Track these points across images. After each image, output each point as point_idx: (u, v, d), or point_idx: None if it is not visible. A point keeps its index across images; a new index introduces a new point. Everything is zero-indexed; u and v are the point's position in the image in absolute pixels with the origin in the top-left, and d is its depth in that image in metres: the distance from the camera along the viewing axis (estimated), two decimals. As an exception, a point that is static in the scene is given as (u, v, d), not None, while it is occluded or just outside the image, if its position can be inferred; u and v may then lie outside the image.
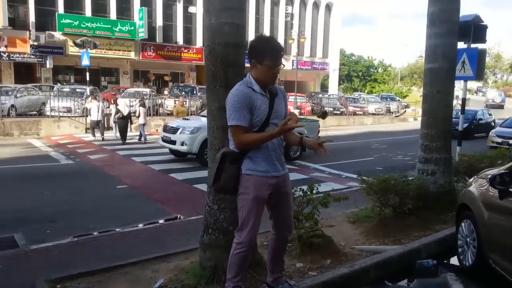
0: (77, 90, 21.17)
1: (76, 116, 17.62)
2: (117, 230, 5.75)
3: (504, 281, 3.56)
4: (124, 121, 14.88)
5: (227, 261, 3.04)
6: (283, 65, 2.97)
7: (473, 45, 8.25)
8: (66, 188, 8.30)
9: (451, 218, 5.23)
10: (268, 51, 2.84)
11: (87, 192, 7.99)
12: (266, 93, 2.92)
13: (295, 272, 3.85)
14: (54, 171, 9.99)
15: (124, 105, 15.44)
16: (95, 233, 5.62)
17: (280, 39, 37.26)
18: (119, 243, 5.06)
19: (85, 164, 10.88)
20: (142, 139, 15.23)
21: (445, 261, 4.69)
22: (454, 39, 6.02)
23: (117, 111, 15.10)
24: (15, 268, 4.26)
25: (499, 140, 15.31)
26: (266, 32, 36.27)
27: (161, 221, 6.29)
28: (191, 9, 32.22)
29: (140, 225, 5.99)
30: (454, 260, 4.59)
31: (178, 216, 6.59)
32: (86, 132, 17.50)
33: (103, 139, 15.24)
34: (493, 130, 16.74)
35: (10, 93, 17.72)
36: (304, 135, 3.37)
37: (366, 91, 57.89)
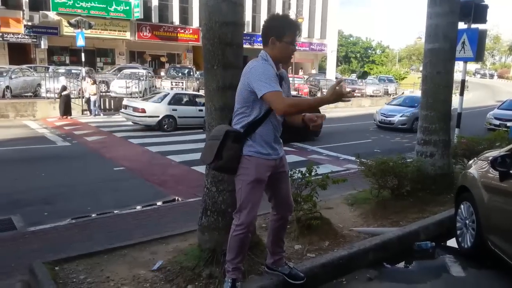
0: (73, 71, 20.95)
1: (72, 98, 17.37)
2: (115, 212, 5.75)
3: (503, 263, 3.58)
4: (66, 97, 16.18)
5: (226, 243, 3.02)
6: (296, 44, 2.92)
7: (473, 26, 8.15)
8: (63, 170, 8.26)
9: (449, 200, 5.23)
10: (288, 27, 2.81)
11: (84, 174, 7.95)
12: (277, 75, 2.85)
13: (294, 254, 3.85)
14: (51, 153, 9.94)
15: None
16: (93, 215, 5.61)
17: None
18: (117, 225, 5.05)
19: (82, 146, 10.82)
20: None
21: (443, 244, 4.70)
22: (455, 19, 5.92)
23: (64, 88, 16.20)
24: (13, 250, 4.26)
25: (497, 122, 15.31)
26: (264, 12, 35.86)
27: (159, 203, 6.28)
28: (188, -12, 31.69)
29: (138, 207, 5.97)
30: (452, 242, 4.59)
31: (176, 198, 6.58)
32: (82, 113, 17.41)
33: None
34: (490, 112, 16.66)
35: (5, 74, 17.51)
36: None
37: (364, 72, 57.53)
